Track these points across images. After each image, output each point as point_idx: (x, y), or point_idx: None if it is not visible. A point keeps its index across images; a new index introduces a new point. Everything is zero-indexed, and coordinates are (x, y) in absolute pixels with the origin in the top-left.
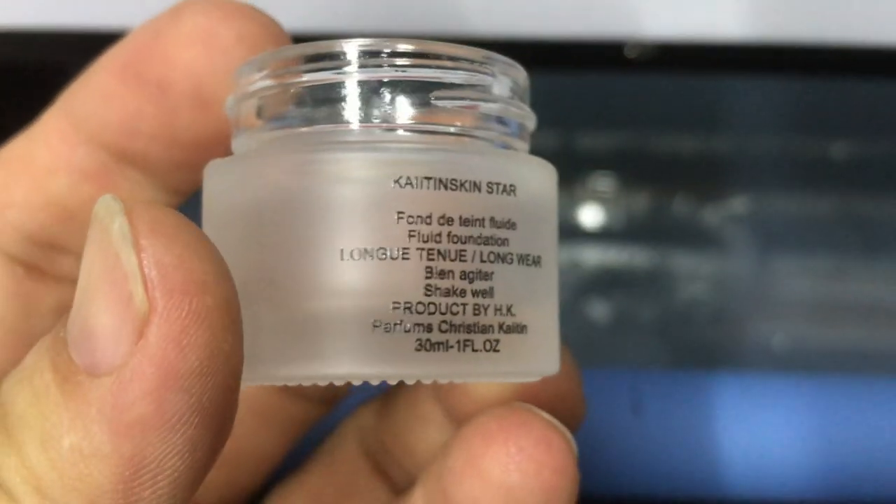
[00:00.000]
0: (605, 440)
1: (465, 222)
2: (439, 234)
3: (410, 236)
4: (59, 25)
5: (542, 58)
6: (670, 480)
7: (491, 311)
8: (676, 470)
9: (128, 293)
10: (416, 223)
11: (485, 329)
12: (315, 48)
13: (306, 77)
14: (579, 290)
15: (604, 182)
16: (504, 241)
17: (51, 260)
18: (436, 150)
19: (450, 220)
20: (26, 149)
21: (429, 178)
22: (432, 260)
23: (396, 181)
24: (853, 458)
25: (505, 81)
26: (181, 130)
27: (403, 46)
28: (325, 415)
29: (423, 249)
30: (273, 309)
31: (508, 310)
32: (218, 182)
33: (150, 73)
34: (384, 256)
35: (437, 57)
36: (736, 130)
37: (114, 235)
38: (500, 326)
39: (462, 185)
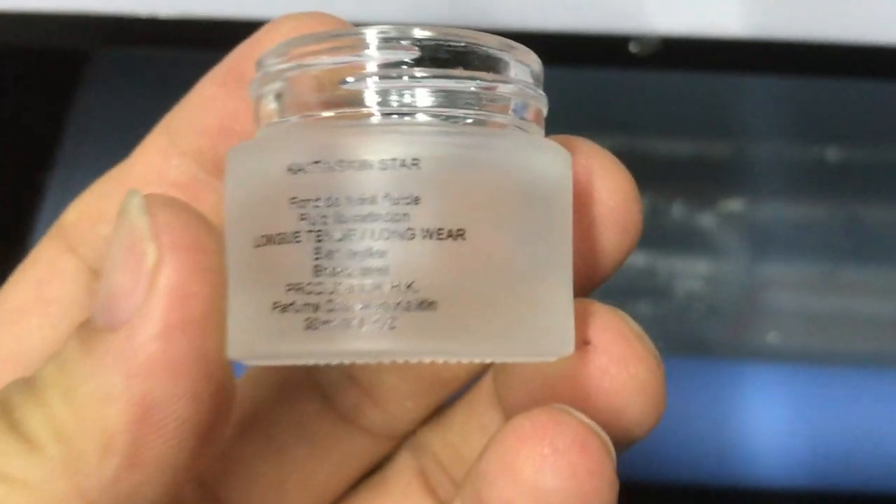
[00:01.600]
0: None
1: (354, 201)
2: (325, 216)
3: (301, 220)
4: (82, 9)
5: (541, 52)
6: (661, 466)
7: (386, 288)
8: (668, 456)
9: (141, 252)
10: (306, 207)
11: (381, 307)
12: (334, 34)
13: (321, 61)
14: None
15: None
16: (403, 217)
17: None
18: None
19: (335, 202)
20: (127, 164)
21: (317, 163)
22: (320, 241)
23: (289, 168)
24: (842, 446)
25: (521, 67)
26: None
27: (421, 32)
28: (387, 452)
29: (311, 232)
30: (236, 294)
31: (408, 286)
32: (232, 168)
33: (249, 72)
34: (280, 240)
35: (456, 42)
36: (736, 133)
37: (132, 210)
38: (398, 304)
39: (350, 164)
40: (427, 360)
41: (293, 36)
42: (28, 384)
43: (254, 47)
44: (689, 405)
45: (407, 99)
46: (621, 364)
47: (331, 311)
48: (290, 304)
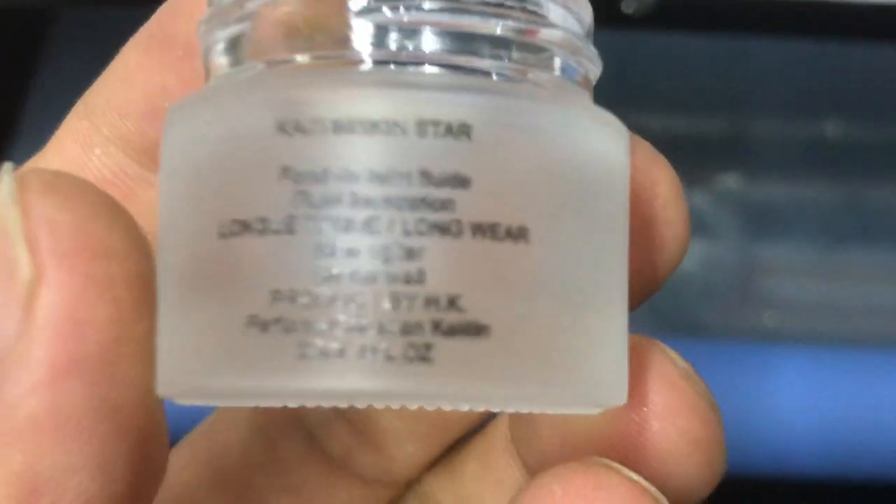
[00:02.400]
0: None
1: (377, 178)
2: (335, 197)
3: (298, 200)
4: None
5: None
6: None
7: (419, 303)
8: None
9: (11, 261)
10: (305, 182)
11: (407, 329)
12: None
13: None
14: None
15: None
16: (446, 205)
17: None
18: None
19: (353, 176)
20: (42, 159)
21: (323, 120)
22: (325, 232)
23: (281, 127)
24: (841, 428)
25: (568, 15)
26: None
27: None
28: (393, 501)
29: (312, 218)
30: (181, 307)
31: (451, 302)
32: (170, 129)
33: (179, 32)
34: (263, 229)
35: None
36: (734, 103)
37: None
38: (436, 326)
39: (375, 126)
40: (466, 407)
41: None
42: None
43: (177, 4)
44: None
45: (441, 44)
46: (667, 416)
47: (337, 332)
48: (276, 321)
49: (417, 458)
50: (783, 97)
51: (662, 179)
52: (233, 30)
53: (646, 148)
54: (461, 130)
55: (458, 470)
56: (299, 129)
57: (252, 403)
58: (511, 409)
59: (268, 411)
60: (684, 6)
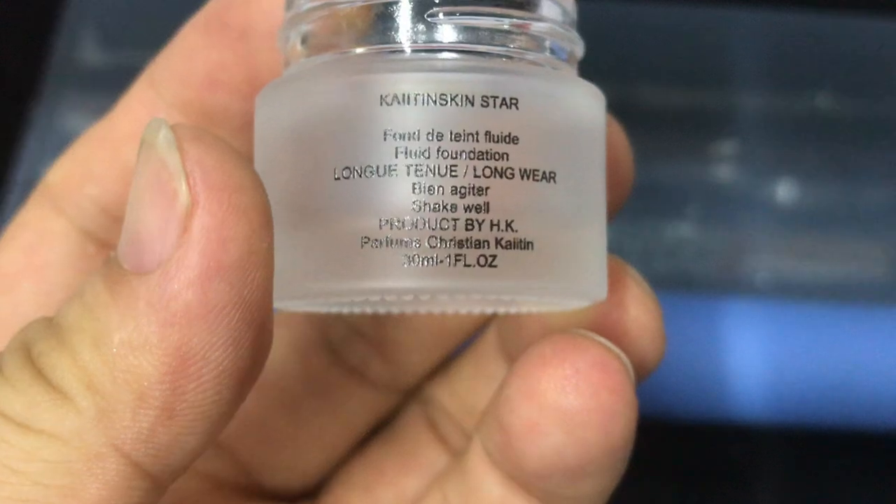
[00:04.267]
0: None
1: (456, 137)
2: (427, 150)
3: (398, 153)
4: None
5: None
6: (648, 401)
7: (486, 225)
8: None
9: (172, 191)
10: (403, 140)
11: (479, 244)
12: None
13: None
14: None
15: None
16: (503, 156)
17: None
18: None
19: (439, 136)
20: (110, 121)
21: (417, 95)
22: (420, 176)
23: (383, 98)
24: (829, 382)
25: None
26: (262, 76)
27: None
28: (395, 406)
29: (410, 166)
30: (293, 232)
31: (508, 225)
32: (263, 109)
33: (233, 20)
34: (370, 174)
35: None
36: (725, 75)
37: (159, 143)
38: (498, 241)
39: (453, 99)
40: (523, 305)
41: None
42: (53, 329)
43: None
44: (676, 341)
45: (494, 38)
46: (634, 302)
47: (431, 246)
48: (386, 240)
49: (421, 367)
50: (773, 69)
51: (619, 137)
52: (311, 27)
53: (609, 117)
54: (512, 103)
55: (453, 373)
56: (396, 100)
57: (354, 308)
58: (544, 306)
59: (299, 328)
60: None
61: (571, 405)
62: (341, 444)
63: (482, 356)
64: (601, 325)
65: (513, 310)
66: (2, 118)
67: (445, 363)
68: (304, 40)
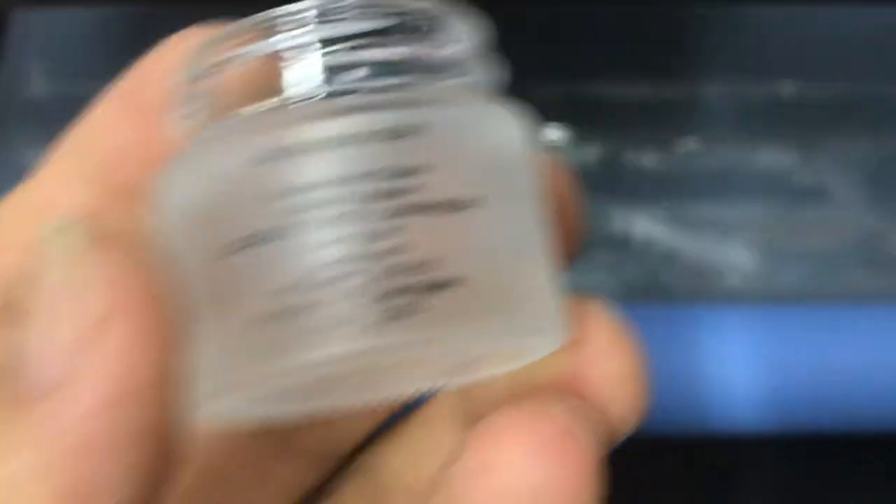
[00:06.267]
0: None
1: (360, 179)
2: (329, 199)
3: (298, 210)
4: None
5: None
6: None
7: (409, 268)
8: None
9: (86, 303)
10: (302, 193)
11: (403, 290)
12: (239, 23)
13: (232, 55)
14: None
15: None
16: (416, 189)
17: None
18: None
19: (341, 181)
20: (26, 190)
21: (311, 143)
22: (327, 228)
23: (273, 155)
24: (807, 386)
25: (453, 31)
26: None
27: (342, 1)
28: (327, 476)
29: (314, 221)
30: (204, 324)
31: (433, 264)
32: (156, 196)
33: (147, 96)
34: (272, 239)
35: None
36: (687, 69)
37: (73, 245)
38: (424, 284)
39: (352, 140)
40: (483, 366)
41: (187, 54)
42: None
43: (148, 69)
44: (649, 353)
45: (359, 73)
46: (607, 354)
47: (341, 305)
48: (285, 309)
49: (361, 429)
50: (736, 60)
51: (567, 185)
52: (200, 100)
53: (559, 165)
54: (420, 132)
55: (398, 438)
56: (272, 158)
57: (288, 408)
58: (504, 363)
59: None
60: None
61: (534, 480)
62: None
63: (433, 421)
64: (568, 384)
65: (472, 377)
66: None
67: (384, 430)
68: (191, 114)
